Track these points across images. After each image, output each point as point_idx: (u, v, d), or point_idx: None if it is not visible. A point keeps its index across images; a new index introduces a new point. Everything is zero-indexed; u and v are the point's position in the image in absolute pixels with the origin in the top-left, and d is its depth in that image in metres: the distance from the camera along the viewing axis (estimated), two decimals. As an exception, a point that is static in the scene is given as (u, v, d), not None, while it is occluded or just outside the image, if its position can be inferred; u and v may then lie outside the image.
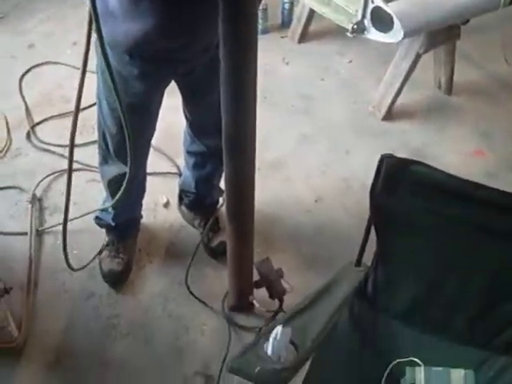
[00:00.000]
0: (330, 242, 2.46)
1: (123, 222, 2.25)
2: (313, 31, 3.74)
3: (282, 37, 3.78)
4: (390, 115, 3.12)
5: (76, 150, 2.87)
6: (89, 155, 2.79)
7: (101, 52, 1.27)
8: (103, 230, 2.34)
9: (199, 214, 2.43)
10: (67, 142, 2.90)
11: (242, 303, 2.14)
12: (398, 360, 1.59)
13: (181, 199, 2.49)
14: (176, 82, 1.87)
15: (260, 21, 3.52)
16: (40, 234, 2.46)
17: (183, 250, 2.38)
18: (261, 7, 3.52)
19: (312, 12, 3.46)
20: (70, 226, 2.44)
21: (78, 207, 2.53)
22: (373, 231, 1.66)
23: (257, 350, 1.39)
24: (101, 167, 2.11)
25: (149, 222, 2.49)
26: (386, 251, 1.66)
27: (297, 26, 3.69)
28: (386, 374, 1.57)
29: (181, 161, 2.71)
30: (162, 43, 1.58)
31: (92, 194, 2.62)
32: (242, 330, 2.14)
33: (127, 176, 1.62)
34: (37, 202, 2.59)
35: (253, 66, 1.37)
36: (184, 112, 2.06)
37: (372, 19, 2.58)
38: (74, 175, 2.70)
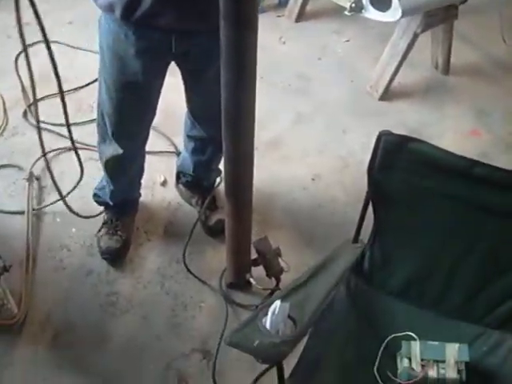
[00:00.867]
0: (326, 220, 2.48)
1: (121, 201, 2.27)
2: (310, 10, 3.73)
3: (279, 16, 3.76)
4: (387, 95, 3.12)
5: (74, 129, 2.88)
6: (86, 134, 2.79)
7: None
8: (101, 208, 2.35)
9: (197, 192, 2.44)
10: (64, 121, 2.93)
11: (239, 281, 2.16)
12: (394, 334, 1.61)
13: (178, 178, 2.50)
14: (177, 65, 1.86)
15: (257, 0, 3.50)
16: (38, 212, 2.47)
17: (181, 228, 2.39)
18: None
19: (310, -9, 3.44)
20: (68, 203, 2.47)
21: (78, 186, 2.54)
22: (370, 208, 1.67)
23: (255, 324, 1.40)
24: (99, 146, 2.12)
25: (147, 201, 2.50)
26: (383, 228, 1.68)
27: (294, 5, 3.68)
28: (382, 349, 1.60)
29: (178, 140, 2.72)
30: (151, 1, 1.55)
31: (90, 172, 2.60)
32: (239, 307, 2.17)
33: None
34: (34, 180, 2.59)
35: (253, 40, 1.38)
36: (185, 97, 2.06)
37: (370, -2, 2.58)
38: (72, 154, 2.73)
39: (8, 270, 1.98)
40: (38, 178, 2.61)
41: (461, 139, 2.91)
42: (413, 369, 1.54)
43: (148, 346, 2.05)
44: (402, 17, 2.52)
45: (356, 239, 1.75)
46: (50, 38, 3.71)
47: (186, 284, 2.23)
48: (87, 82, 3.09)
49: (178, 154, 2.65)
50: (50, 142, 2.77)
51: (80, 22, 3.50)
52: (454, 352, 1.54)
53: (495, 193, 1.51)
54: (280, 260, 2.08)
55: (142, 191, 2.38)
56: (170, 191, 2.56)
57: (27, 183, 2.54)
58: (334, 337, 1.63)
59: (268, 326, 1.40)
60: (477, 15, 3.60)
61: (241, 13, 1.31)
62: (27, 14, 1.23)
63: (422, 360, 1.54)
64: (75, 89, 3.07)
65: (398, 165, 1.55)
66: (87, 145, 2.72)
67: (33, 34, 3.22)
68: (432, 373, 1.53)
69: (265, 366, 1.85)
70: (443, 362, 1.53)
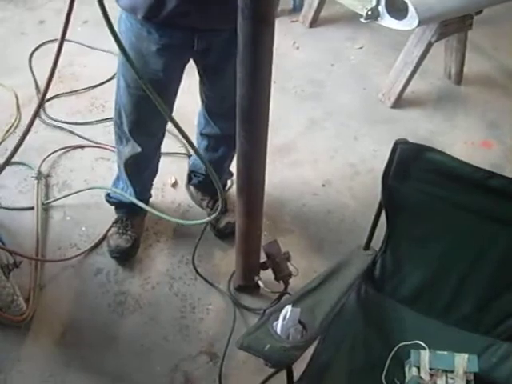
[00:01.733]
0: (336, 226, 2.48)
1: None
2: (324, 16, 3.73)
3: (293, 21, 3.77)
4: (399, 103, 3.12)
5: (85, 128, 2.92)
6: (98, 133, 2.82)
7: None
8: (112, 207, 2.36)
9: (207, 194, 2.44)
10: (76, 120, 2.95)
11: (247, 283, 2.16)
12: (403, 343, 1.61)
13: (190, 179, 2.50)
14: (194, 61, 1.86)
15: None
16: (47, 208, 2.48)
17: (190, 230, 2.39)
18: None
19: (324, -4, 3.45)
20: (78, 201, 2.48)
21: (87, 184, 2.56)
22: (382, 216, 1.67)
23: (266, 328, 1.41)
24: (117, 147, 2.13)
25: (157, 202, 2.50)
26: (396, 236, 1.68)
27: (308, 11, 3.68)
28: (390, 357, 1.60)
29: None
30: (176, 1, 1.55)
31: (100, 171, 2.64)
32: (246, 310, 2.17)
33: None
34: (43, 177, 2.60)
35: (269, 36, 1.37)
36: (200, 94, 2.06)
37: (386, 6, 2.57)
38: (84, 152, 2.75)
39: (18, 266, 1.99)
40: (47, 175, 2.62)
41: (472, 149, 2.91)
42: (421, 378, 1.54)
43: (155, 347, 2.05)
44: (419, 26, 2.52)
45: (367, 246, 1.75)
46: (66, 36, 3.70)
47: (194, 286, 2.23)
48: (100, 82, 3.10)
49: (189, 155, 2.66)
50: (62, 139, 2.79)
51: (95, 22, 3.51)
52: (463, 362, 1.53)
53: (509, 205, 1.50)
54: (289, 264, 2.08)
55: (153, 192, 2.38)
56: (180, 193, 2.57)
57: (36, 181, 2.55)
58: (343, 343, 1.63)
59: (279, 330, 1.41)
60: (491, 26, 3.60)
61: (258, 8, 1.30)
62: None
63: (430, 369, 1.54)
64: (88, 88, 3.08)
65: (413, 174, 1.55)
66: (98, 143, 2.74)
67: (47, 32, 3.25)
68: (440, 382, 1.53)
69: (272, 370, 1.86)
70: (452, 372, 1.53)
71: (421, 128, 3.01)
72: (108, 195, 2.32)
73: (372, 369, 1.59)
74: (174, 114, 2.20)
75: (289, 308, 1.42)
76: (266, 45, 1.39)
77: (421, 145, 1.53)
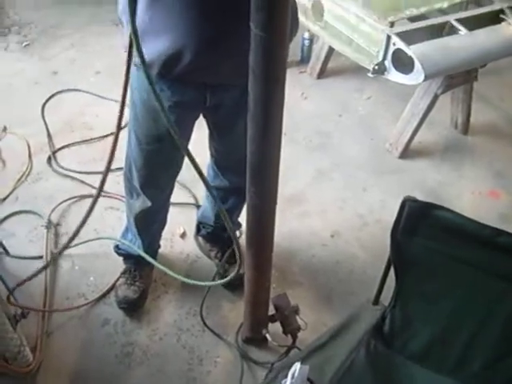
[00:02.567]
0: (345, 277, 2.47)
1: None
2: (331, 68, 3.80)
3: (301, 72, 3.84)
4: (406, 153, 3.15)
5: (96, 177, 2.94)
6: (108, 182, 2.82)
7: (143, 73, 1.28)
8: (120, 258, 2.36)
9: (216, 245, 2.45)
10: (87, 169, 2.98)
11: (255, 336, 2.14)
12: (413, 400, 1.59)
13: (198, 230, 2.51)
14: (204, 116, 1.89)
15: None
16: (57, 259, 2.48)
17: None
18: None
19: (331, 49, 3.51)
20: (87, 251, 2.48)
21: (97, 233, 2.57)
22: (391, 270, 1.67)
23: (275, 385, 1.40)
24: (127, 201, 2.15)
25: (165, 252, 2.50)
26: (405, 291, 1.68)
27: (316, 62, 3.75)
28: (401, 415, 1.58)
29: (198, 192, 2.75)
30: (191, 57, 1.57)
31: (110, 221, 2.65)
32: (254, 363, 2.15)
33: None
34: (52, 227, 2.62)
35: (280, 97, 1.40)
36: (210, 147, 2.09)
37: (393, 61, 2.62)
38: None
39: (26, 317, 1.99)
40: (57, 224, 2.64)
41: (479, 200, 2.91)
42: None
43: (162, 400, 2.03)
44: (425, 80, 2.56)
45: (377, 301, 1.75)
46: (78, 86, 3.84)
47: (202, 338, 2.22)
48: (112, 131, 3.14)
49: (198, 206, 2.68)
50: (72, 188, 2.82)
51: (107, 72, 3.59)
52: (474, 421, 1.51)
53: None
54: (297, 317, 2.07)
55: (161, 242, 2.39)
56: (188, 243, 2.58)
57: (45, 230, 2.57)
58: (352, 401, 1.61)
59: (287, 388, 1.40)
60: (497, 76, 3.66)
61: (269, 68, 1.32)
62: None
63: (440, 428, 1.52)
64: (99, 137, 3.13)
65: (422, 230, 1.56)
66: (108, 192, 2.76)
67: (60, 82, 3.31)
68: None
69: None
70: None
71: (428, 178, 3.02)
72: (117, 246, 2.33)
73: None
74: (184, 167, 2.25)
75: (297, 365, 1.41)
76: (276, 102, 1.41)
77: (429, 203, 1.54)
